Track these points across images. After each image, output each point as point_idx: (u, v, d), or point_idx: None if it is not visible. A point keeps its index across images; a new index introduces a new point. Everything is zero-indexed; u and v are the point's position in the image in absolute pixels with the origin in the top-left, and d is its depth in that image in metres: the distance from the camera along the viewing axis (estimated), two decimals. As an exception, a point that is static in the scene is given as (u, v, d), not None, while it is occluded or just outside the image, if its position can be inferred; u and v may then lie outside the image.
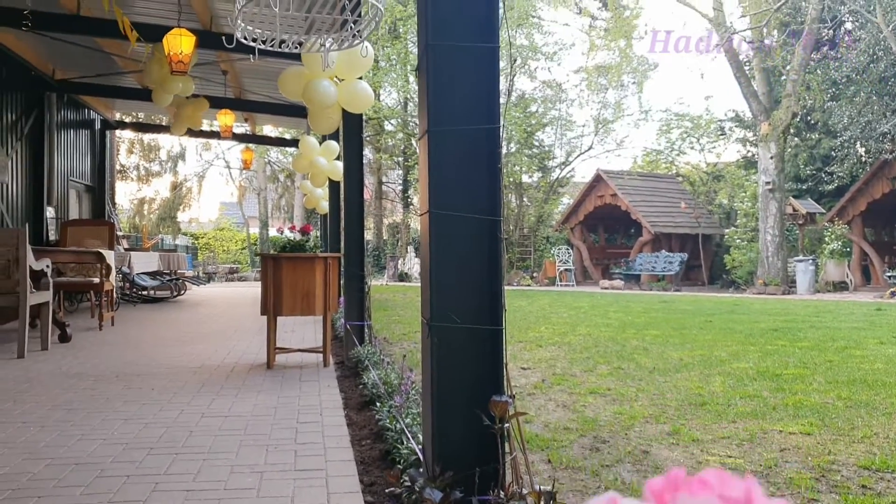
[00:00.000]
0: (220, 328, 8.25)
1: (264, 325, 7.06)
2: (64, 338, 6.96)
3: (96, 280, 7.72)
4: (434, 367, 1.75)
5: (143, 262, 11.30)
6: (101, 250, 7.05)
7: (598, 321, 9.04)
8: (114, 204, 17.98)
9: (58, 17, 9.30)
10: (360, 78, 5.57)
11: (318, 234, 18.93)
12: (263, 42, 3.37)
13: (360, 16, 3.25)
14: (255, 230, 34.22)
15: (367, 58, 5.37)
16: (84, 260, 7.18)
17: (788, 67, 16.79)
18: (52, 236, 13.18)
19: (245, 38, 3.39)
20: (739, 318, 9.19)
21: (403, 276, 24.46)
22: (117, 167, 23.52)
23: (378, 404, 3.70)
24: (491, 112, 1.79)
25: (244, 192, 33.04)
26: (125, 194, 30.36)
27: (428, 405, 1.81)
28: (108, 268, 7.39)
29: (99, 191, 16.40)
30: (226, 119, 11.53)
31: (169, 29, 8.90)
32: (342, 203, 6.78)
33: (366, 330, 5.75)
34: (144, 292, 12.08)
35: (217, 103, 12.30)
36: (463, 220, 1.76)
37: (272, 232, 34.82)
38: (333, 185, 10.10)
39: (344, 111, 5.70)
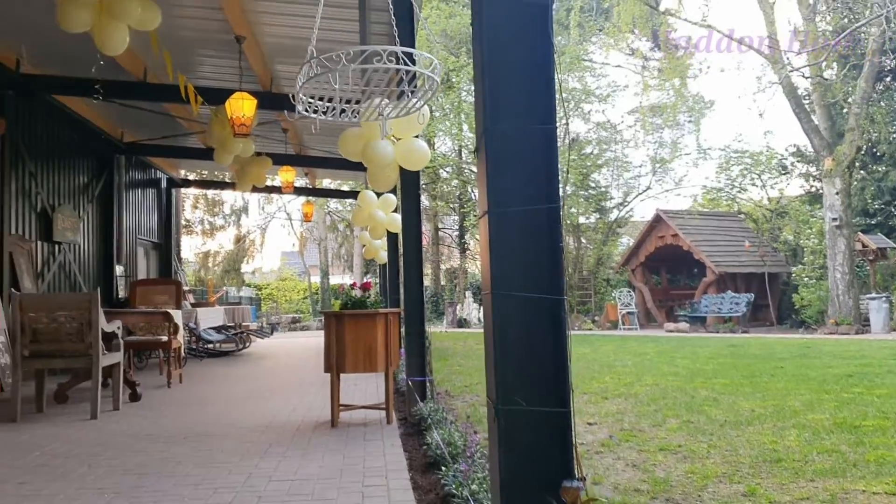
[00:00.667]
0: (284, 382, 8.34)
1: (327, 379, 7.12)
2: (135, 397, 7.12)
3: (164, 338, 7.91)
4: (501, 450, 1.74)
5: (209, 318, 11.53)
6: (168, 310, 7.23)
7: (664, 369, 8.86)
8: (179, 259, 18.48)
9: (125, 84, 9.71)
10: (417, 136, 5.65)
11: (378, 283, 19.15)
12: (324, 112, 3.46)
13: (416, 87, 3.32)
14: (315, 279, 34.68)
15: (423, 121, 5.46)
16: (153, 320, 7.37)
17: (851, 100, 16.44)
18: (122, 294, 13.60)
19: (306, 109, 3.49)
20: (811, 363, 8.91)
21: (462, 322, 24.42)
22: (182, 222, 24.24)
23: (443, 468, 3.67)
24: (550, 191, 1.80)
25: (305, 243, 33.59)
26: (190, 248, 31.15)
27: (496, 488, 1.80)
28: (176, 327, 7.57)
29: (165, 247, 16.89)
30: (287, 175, 11.81)
31: (231, 92, 9.20)
32: (401, 258, 6.84)
33: (427, 385, 5.74)
34: (210, 346, 12.30)
35: (278, 160, 12.59)
36: (525, 300, 1.76)
37: (333, 280, 35.33)
38: (392, 236, 10.21)
39: (402, 168, 5.77)
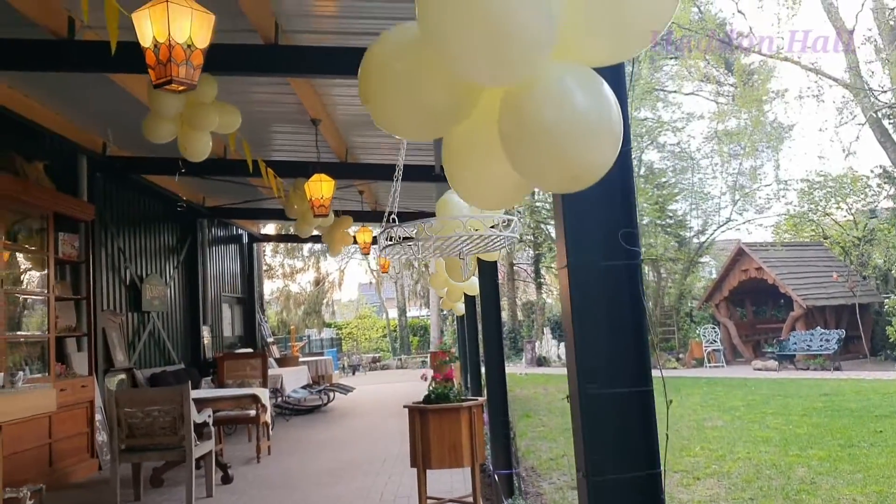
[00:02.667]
0: (369, 453, 8.38)
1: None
2: (226, 479, 7.28)
3: (253, 413, 8.09)
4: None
5: (294, 378, 11.74)
6: (256, 391, 7.40)
7: (755, 433, 8.57)
8: (263, 311, 18.91)
9: (207, 161, 10.06)
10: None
11: (456, 333, 19.19)
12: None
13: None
14: (392, 312, 34.91)
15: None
16: (242, 404, 7.55)
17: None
18: (209, 355, 13.97)
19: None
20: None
21: (542, 361, 24.20)
22: (263, 266, 24.83)
23: None
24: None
25: (381, 281, 33.95)
26: (271, 291, 31.86)
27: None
28: (264, 407, 7.73)
29: (249, 301, 17.31)
30: (364, 237, 11.97)
31: (306, 165, 9.41)
32: (479, 321, 6.83)
33: (514, 478, 5.69)
34: (296, 404, 12.49)
35: (357, 217, 12.76)
36: (611, 395, 1.83)
37: (411, 313, 35.61)
38: (469, 301, 10.25)
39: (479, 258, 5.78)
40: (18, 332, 7.32)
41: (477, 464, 5.57)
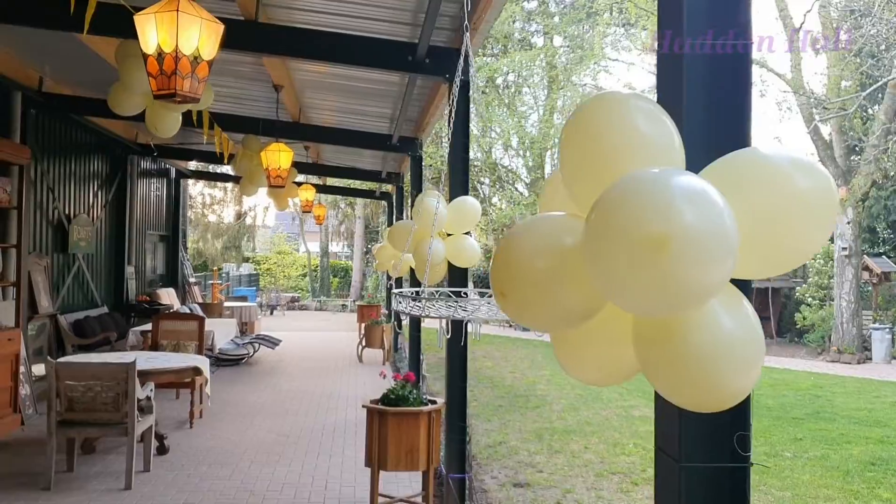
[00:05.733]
0: (306, 425, 8.33)
1: (354, 416, 7.19)
2: (162, 450, 7.14)
3: (188, 379, 7.91)
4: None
5: (224, 333, 11.51)
6: (198, 364, 7.22)
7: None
8: (186, 249, 18.39)
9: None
10: (468, 233, 5.61)
11: (378, 282, 18.97)
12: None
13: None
14: (312, 247, 34.30)
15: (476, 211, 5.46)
16: (183, 377, 7.36)
17: (869, 132, 16.38)
18: (131, 296, 13.54)
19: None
20: (829, 433, 8.89)
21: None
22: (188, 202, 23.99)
23: None
24: None
25: (305, 220, 33.39)
26: (189, 221, 30.90)
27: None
28: (199, 373, 7.53)
29: (172, 239, 16.80)
30: (307, 194, 11.67)
31: (257, 121, 9.10)
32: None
33: (467, 482, 5.77)
34: (224, 357, 12.28)
35: (299, 168, 12.41)
36: None
37: (333, 250, 35.14)
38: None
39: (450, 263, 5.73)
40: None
41: (432, 467, 5.62)
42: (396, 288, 3.47)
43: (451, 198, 5.72)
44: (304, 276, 32.62)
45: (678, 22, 1.84)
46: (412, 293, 3.29)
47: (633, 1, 16.57)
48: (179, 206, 17.04)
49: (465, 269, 5.96)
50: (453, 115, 5.96)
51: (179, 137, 12.95)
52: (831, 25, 15.89)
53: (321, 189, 16.78)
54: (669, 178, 1.25)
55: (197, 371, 7.30)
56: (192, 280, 17.65)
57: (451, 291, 3.44)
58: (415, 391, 5.78)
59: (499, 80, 22.91)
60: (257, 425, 8.34)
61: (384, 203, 25.70)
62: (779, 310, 19.97)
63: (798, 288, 19.34)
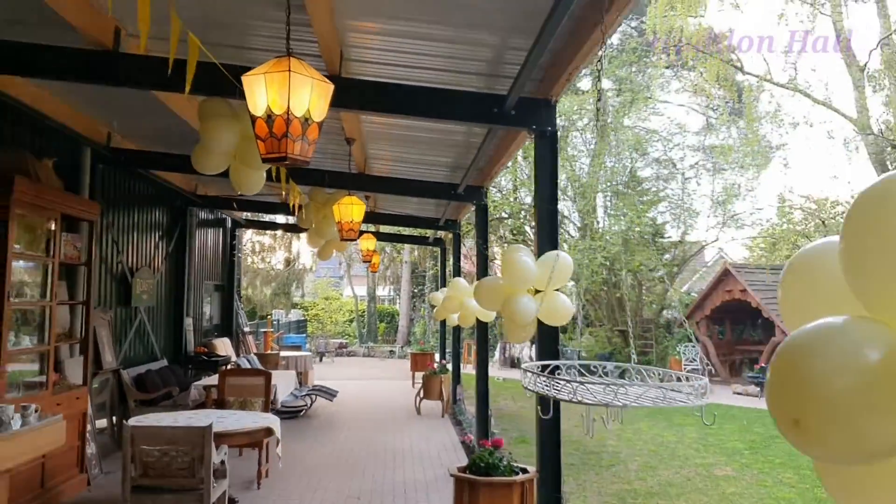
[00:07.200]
0: (378, 484, 8.05)
1: (419, 442, 6.89)
2: (233, 514, 6.91)
3: (260, 438, 7.69)
4: None
5: (284, 386, 11.31)
6: (270, 424, 7.01)
7: (775, 491, 8.43)
8: (240, 298, 18.37)
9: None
10: (559, 290, 5.34)
11: (426, 327, 18.83)
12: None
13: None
14: (358, 290, 34.07)
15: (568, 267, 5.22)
16: (256, 439, 7.16)
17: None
18: (191, 348, 13.46)
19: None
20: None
21: (514, 362, 24.02)
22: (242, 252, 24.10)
23: None
24: None
25: (351, 265, 33.42)
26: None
27: None
28: (272, 433, 7.31)
29: (228, 288, 16.79)
30: (368, 244, 11.52)
31: (324, 173, 9.00)
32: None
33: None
34: (284, 410, 12.08)
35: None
36: None
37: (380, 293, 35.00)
38: (481, 325, 9.95)
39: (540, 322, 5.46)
40: (21, 346, 6.80)
41: (527, 541, 5.31)
42: (522, 361, 3.22)
43: (539, 252, 5.49)
44: (352, 321, 32.49)
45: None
46: (539, 367, 3.02)
47: (690, 42, 16.35)
48: (235, 256, 17.05)
49: (557, 329, 5.67)
50: (537, 165, 5.76)
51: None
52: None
53: (377, 237, 16.67)
54: None
55: (269, 432, 7.09)
56: (246, 329, 17.58)
57: (582, 365, 3.18)
58: (505, 458, 5.50)
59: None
60: (325, 486, 8.07)
61: (432, 248, 25.67)
62: None
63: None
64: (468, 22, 4.89)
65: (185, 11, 4.12)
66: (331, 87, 3.35)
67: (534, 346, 20.13)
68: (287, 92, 3.12)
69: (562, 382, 2.54)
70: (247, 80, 3.24)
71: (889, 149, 15.87)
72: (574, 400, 2.44)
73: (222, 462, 6.40)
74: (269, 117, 3.17)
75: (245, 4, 5.04)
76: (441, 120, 6.18)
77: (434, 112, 5.67)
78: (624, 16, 3.87)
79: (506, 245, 27.15)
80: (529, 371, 2.78)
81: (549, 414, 4.71)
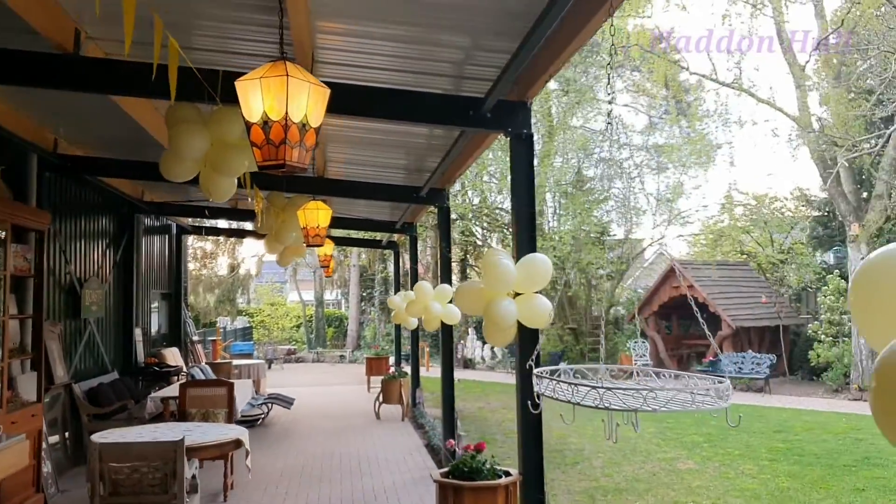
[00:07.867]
0: (346, 492, 7.93)
1: (383, 448, 6.75)
2: (202, 530, 6.73)
3: (229, 450, 7.51)
4: None
5: (243, 395, 11.08)
6: (239, 436, 6.85)
7: (737, 482, 8.57)
8: (188, 306, 17.96)
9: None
10: (540, 292, 5.34)
11: (388, 335, 18.82)
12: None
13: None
14: (305, 295, 33.60)
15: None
16: (226, 451, 6.98)
17: (879, 167, 16.38)
18: (140, 358, 13.09)
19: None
20: (886, 476, 8.60)
21: (467, 363, 24.06)
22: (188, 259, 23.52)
23: None
24: None
25: (297, 269, 33.03)
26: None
27: None
28: (241, 445, 7.16)
29: (175, 296, 16.38)
30: (326, 249, 11.37)
31: (281, 178, 8.82)
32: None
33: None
34: (243, 419, 11.85)
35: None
36: None
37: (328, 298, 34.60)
38: (446, 328, 9.89)
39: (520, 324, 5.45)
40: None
41: (511, 545, 5.28)
42: (529, 363, 3.18)
43: (519, 255, 5.47)
44: (299, 326, 32.11)
45: None
46: (550, 371, 2.99)
47: (638, 43, 16.58)
48: (181, 263, 16.65)
49: (537, 330, 5.67)
50: (513, 169, 5.75)
51: (185, 194, 12.75)
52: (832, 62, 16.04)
53: (337, 242, 16.51)
54: None
55: (238, 443, 6.94)
56: (195, 338, 17.19)
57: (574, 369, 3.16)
58: (488, 462, 5.47)
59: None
60: (294, 495, 7.92)
61: (382, 251, 25.52)
62: (788, 347, 19.77)
63: (811, 325, 19.17)
64: (441, 24, 4.85)
65: (144, 10, 3.96)
66: (327, 91, 3.27)
67: (486, 346, 20.10)
68: (285, 97, 3.04)
69: (585, 389, 2.52)
70: (241, 85, 3.14)
71: (825, 146, 16.36)
72: (601, 406, 2.42)
73: (193, 476, 6.23)
74: (266, 123, 3.08)
75: (213, 7, 4.91)
76: (416, 123, 6.13)
77: (409, 115, 5.61)
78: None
79: (455, 246, 27.18)
80: (562, 381, 2.72)
81: (539, 409, 4.69)
